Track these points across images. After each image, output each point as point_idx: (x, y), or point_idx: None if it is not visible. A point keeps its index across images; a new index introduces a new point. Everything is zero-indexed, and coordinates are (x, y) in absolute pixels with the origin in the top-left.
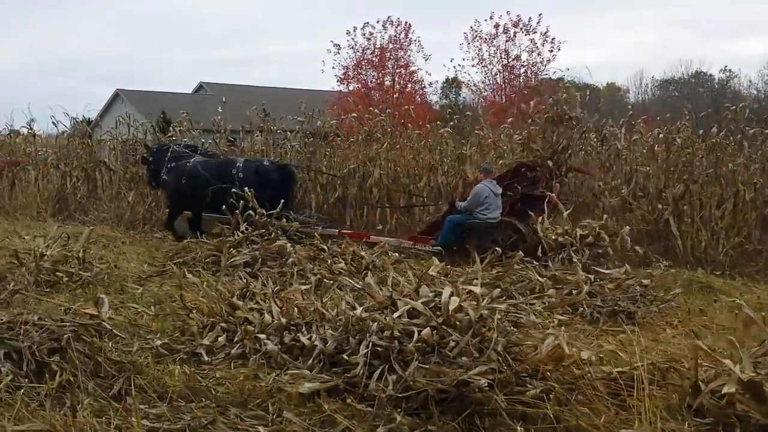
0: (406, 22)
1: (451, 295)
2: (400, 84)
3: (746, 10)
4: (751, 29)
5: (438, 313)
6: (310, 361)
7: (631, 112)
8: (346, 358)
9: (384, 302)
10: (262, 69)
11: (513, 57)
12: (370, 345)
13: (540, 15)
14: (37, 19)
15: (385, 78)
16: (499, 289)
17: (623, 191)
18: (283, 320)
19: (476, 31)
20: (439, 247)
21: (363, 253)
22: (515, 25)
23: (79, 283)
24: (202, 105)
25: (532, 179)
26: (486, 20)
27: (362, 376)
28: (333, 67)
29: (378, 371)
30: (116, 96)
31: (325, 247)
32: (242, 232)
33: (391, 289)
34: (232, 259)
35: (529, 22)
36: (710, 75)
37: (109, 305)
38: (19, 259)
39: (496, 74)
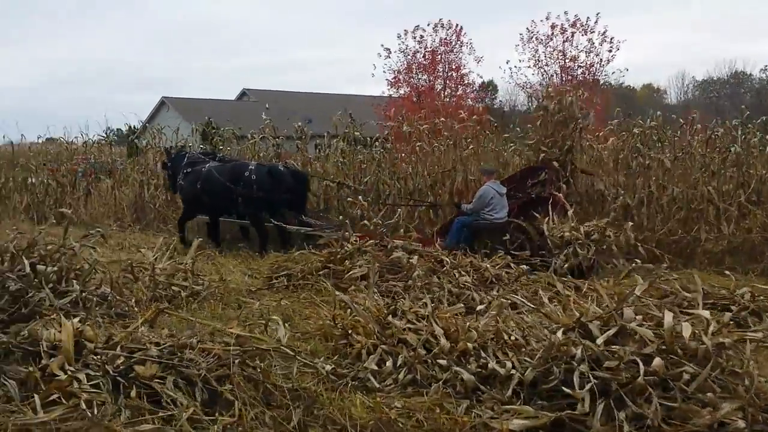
0: (457, 25)
1: (676, 319)
2: (450, 87)
3: None
4: None
5: (661, 340)
6: (508, 392)
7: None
8: (567, 390)
9: (570, 325)
10: (305, 74)
11: (570, 57)
12: (579, 374)
13: (598, 14)
14: (69, 30)
15: (437, 81)
16: (729, 313)
17: (741, 197)
18: (450, 344)
19: (532, 32)
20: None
21: (486, 265)
22: (572, 25)
23: (196, 297)
24: (245, 111)
25: (539, 181)
26: (542, 20)
27: (587, 412)
28: (384, 72)
29: (601, 406)
30: (162, 104)
31: (446, 258)
32: (352, 243)
33: (577, 311)
34: (351, 272)
35: (587, 21)
36: (750, 75)
37: (236, 322)
38: (133, 273)
39: (552, 75)
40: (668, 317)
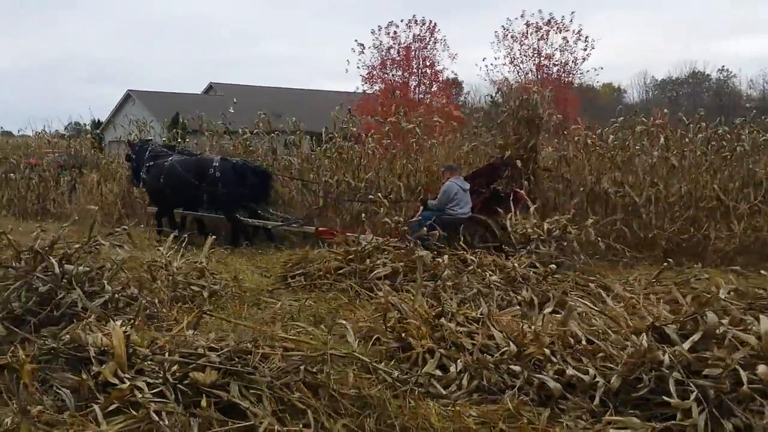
0: (431, 21)
1: None
2: (425, 84)
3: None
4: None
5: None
6: (596, 401)
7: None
8: (667, 399)
9: (642, 329)
10: (271, 69)
11: (544, 56)
12: (674, 382)
13: (573, 13)
14: (36, 20)
15: (411, 78)
16: None
17: (750, 196)
18: (515, 347)
19: (507, 30)
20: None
21: (514, 264)
22: (547, 23)
23: (216, 298)
24: (212, 106)
25: (502, 178)
26: (516, 18)
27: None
28: (358, 67)
29: (703, 417)
30: (128, 97)
31: (471, 257)
32: (369, 241)
33: (649, 314)
34: (376, 272)
35: (562, 20)
36: (707, 75)
37: (279, 325)
38: (152, 273)
39: (527, 73)
40: (765, 322)
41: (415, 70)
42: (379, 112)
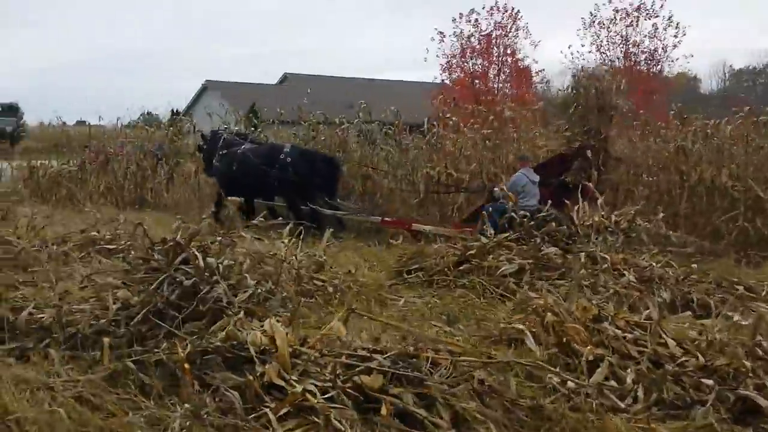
0: (513, 8)
1: None
2: (504, 73)
3: None
4: None
5: None
6: None
7: None
8: None
9: None
10: (346, 60)
11: (632, 43)
12: None
13: None
14: (108, 13)
15: (491, 67)
16: None
17: None
18: (700, 358)
19: (594, 16)
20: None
21: (652, 263)
22: (637, 9)
23: (335, 293)
24: (287, 96)
25: (570, 168)
26: (604, 4)
27: None
28: (437, 56)
29: None
30: (204, 88)
31: (604, 255)
32: (488, 236)
33: None
34: (503, 269)
35: (652, 5)
36: None
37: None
38: (276, 266)
39: (614, 61)
40: None
41: (495, 59)
42: (440, 101)
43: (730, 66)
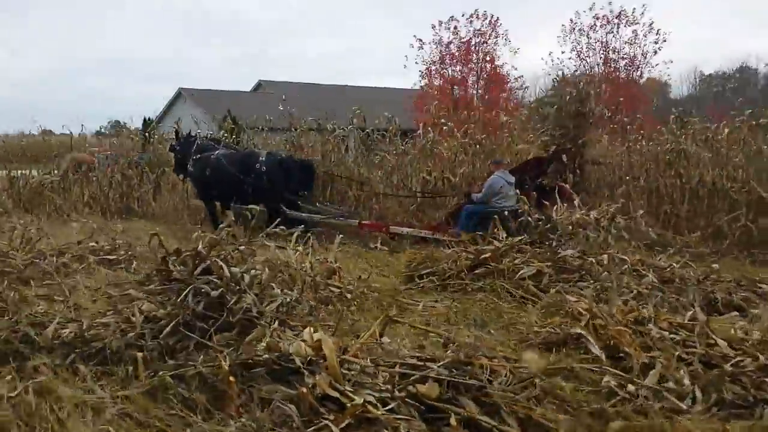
0: (492, 15)
1: None
2: (483, 79)
3: None
4: None
5: None
6: None
7: None
8: None
9: None
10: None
11: (611, 49)
12: None
13: (644, 5)
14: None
15: (471, 74)
16: None
17: None
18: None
19: (575, 23)
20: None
21: (663, 263)
22: (617, 16)
23: (354, 299)
24: (262, 103)
25: (546, 171)
26: (585, 12)
27: None
28: (416, 63)
29: None
30: (178, 95)
31: (623, 257)
32: (500, 239)
33: None
34: (521, 272)
35: (633, 12)
36: (756, 70)
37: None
38: (291, 274)
39: (593, 67)
40: None
41: (475, 66)
42: (435, 108)
43: (701, 71)
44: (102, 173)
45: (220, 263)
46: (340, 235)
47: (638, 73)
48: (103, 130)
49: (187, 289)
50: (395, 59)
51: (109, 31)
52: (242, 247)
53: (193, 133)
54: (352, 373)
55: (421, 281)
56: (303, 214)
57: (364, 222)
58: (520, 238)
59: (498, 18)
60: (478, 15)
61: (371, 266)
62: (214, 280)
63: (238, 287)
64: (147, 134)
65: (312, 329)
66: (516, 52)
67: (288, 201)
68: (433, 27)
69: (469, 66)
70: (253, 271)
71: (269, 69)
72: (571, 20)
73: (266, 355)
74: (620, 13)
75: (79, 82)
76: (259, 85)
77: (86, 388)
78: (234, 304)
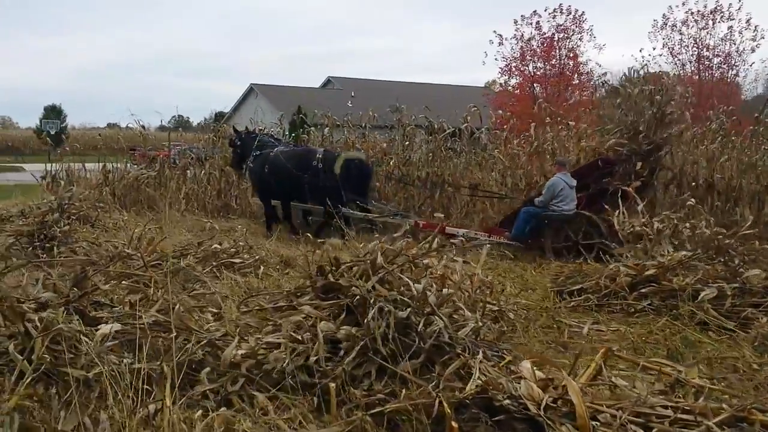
0: (576, 10)
1: None
2: (567, 76)
3: None
4: None
5: None
6: None
7: None
8: None
9: None
10: (389, 62)
11: (704, 46)
12: None
13: (740, 0)
14: (136, 16)
15: (552, 71)
16: None
17: None
18: None
19: (667, 18)
20: (514, 240)
21: None
22: (712, 12)
23: (515, 319)
24: (331, 99)
25: (610, 173)
26: (677, 6)
27: None
28: (495, 59)
29: None
30: (250, 90)
31: None
32: (665, 253)
33: None
34: (703, 294)
35: (729, 8)
36: None
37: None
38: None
39: (685, 65)
40: None
41: (556, 62)
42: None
43: None
44: (202, 168)
45: (405, 278)
46: (487, 245)
47: (734, 71)
48: (167, 124)
49: (373, 308)
50: (451, 57)
51: (171, 28)
52: (419, 258)
53: (254, 129)
54: (596, 424)
55: (571, 299)
56: (358, 213)
57: (420, 221)
58: (688, 253)
59: (583, 12)
60: (561, 9)
61: (505, 278)
62: (396, 296)
63: (423, 306)
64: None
65: (531, 363)
66: (601, 48)
67: (348, 200)
68: (515, 22)
69: (550, 63)
70: (445, 291)
71: (334, 66)
72: (664, 15)
73: (483, 395)
74: (715, 8)
75: (138, 77)
76: (328, 82)
77: (270, 422)
78: (423, 326)
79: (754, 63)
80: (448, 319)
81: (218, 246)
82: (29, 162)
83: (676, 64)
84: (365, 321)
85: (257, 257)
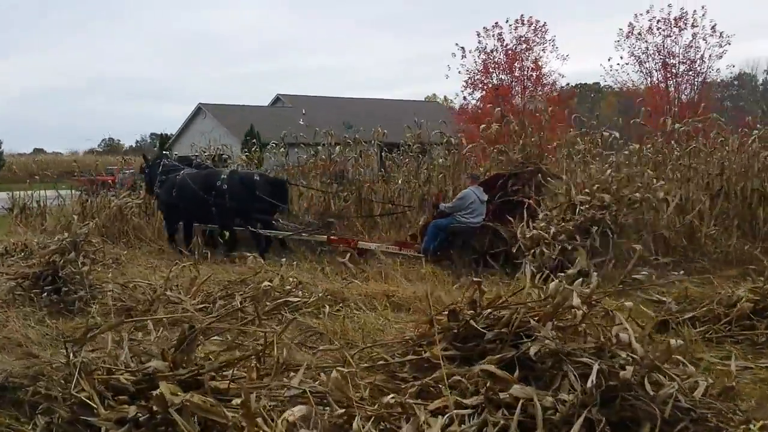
0: (537, 21)
1: None
2: (528, 88)
3: None
4: None
5: None
6: None
7: None
8: None
9: None
10: (334, 79)
11: (670, 54)
12: None
13: (704, 7)
14: (76, 39)
15: (515, 82)
16: None
17: None
18: None
19: (632, 27)
20: (423, 252)
21: None
22: (677, 19)
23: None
24: (282, 117)
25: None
26: (642, 15)
27: None
28: (459, 72)
29: None
30: (198, 111)
31: None
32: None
33: None
34: None
35: (693, 15)
36: (754, 76)
37: None
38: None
39: (651, 73)
40: None
41: (519, 74)
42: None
43: None
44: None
45: (606, 329)
46: (596, 275)
47: (700, 78)
48: (98, 147)
49: (569, 364)
50: (398, 72)
51: (106, 51)
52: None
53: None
54: None
55: (683, 330)
56: (270, 231)
57: (332, 237)
58: None
59: (545, 23)
60: (523, 21)
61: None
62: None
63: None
64: (165, 151)
65: None
66: (565, 59)
67: (258, 220)
68: (478, 34)
69: (513, 75)
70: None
71: (282, 84)
72: (630, 24)
73: None
74: (680, 15)
75: (71, 102)
76: (277, 99)
77: None
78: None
79: (719, 69)
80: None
81: (269, 283)
82: None
83: (642, 72)
84: (566, 383)
85: (313, 294)
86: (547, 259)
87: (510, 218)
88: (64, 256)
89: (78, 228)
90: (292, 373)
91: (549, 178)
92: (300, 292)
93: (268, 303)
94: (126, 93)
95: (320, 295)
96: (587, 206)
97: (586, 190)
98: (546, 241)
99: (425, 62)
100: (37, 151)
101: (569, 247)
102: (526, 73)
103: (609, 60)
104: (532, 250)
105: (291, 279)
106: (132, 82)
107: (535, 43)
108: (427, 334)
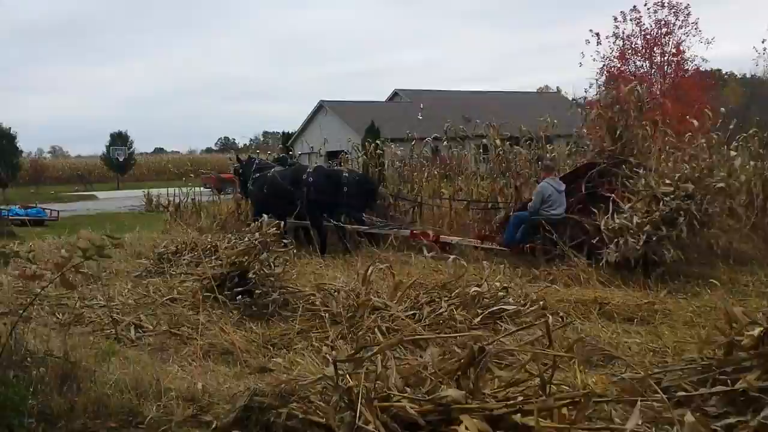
0: (680, 3)
1: None
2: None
3: None
4: None
5: None
6: None
7: None
8: None
9: None
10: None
11: None
12: None
13: None
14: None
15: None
16: None
17: None
18: None
19: None
20: (506, 246)
21: None
22: None
23: None
24: (401, 112)
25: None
26: None
27: None
28: (593, 59)
29: None
30: (319, 108)
31: None
32: None
33: None
34: None
35: None
36: None
37: None
38: None
39: None
40: None
41: (658, 60)
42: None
43: None
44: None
45: None
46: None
47: None
48: (214, 146)
49: None
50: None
51: (219, 54)
52: None
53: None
54: None
55: None
56: (348, 227)
57: (415, 231)
58: None
59: (687, 5)
60: (663, 3)
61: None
62: None
63: None
64: (288, 148)
65: None
66: (710, 43)
67: (349, 215)
68: (615, 19)
69: (652, 61)
70: None
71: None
72: None
73: None
74: None
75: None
76: (394, 95)
77: None
78: None
79: None
80: None
81: (478, 288)
82: (97, 190)
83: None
84: None
85: (528, 302)
86: (631, 249)
87: (594, 210)
88: (251, 256)
89: (268, 227)
90: (605, 406)
91: (635, 170)
92: (511, 299)
93: (479, 311)
94: (240, 93)
95: (541, 303)
96: (671, 197)
97: (667, 181)
98: (631, 230)
99: (529, 54)
100: (158, 150)
101: (654, 238)
102: (667, 58)
103: (763, 42)
104: (615, 240)
105: (497, 284)
106: (242, 81)
107: (676, 27)
108: (732, 359)
